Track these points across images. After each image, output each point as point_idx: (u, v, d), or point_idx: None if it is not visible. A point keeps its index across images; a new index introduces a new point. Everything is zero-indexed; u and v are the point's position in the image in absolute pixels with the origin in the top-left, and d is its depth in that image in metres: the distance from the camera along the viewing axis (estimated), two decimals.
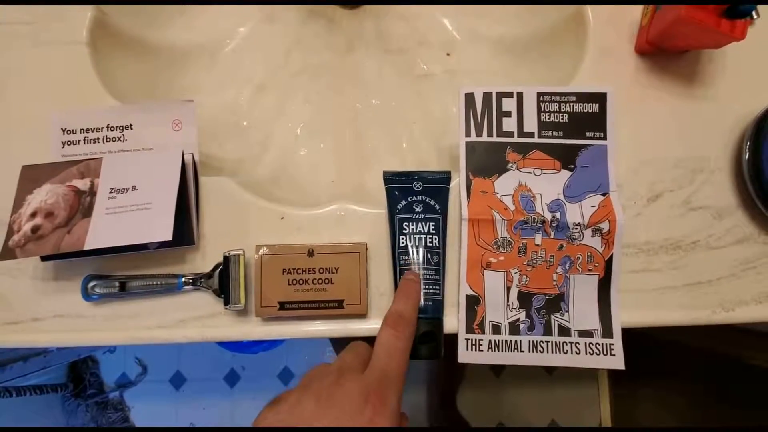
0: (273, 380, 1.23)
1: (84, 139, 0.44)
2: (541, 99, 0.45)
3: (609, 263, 0.43)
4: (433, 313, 0.41)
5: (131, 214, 0.39)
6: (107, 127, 0.44)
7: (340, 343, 1.19)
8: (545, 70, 0.51)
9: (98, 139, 0.44)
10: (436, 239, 0.42)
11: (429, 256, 0.42)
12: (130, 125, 0.44)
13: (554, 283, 0.43)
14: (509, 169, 0.44)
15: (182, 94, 0.53)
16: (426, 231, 0.42)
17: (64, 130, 0.44)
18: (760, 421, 0.79)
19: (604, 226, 0.43)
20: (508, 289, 0.43)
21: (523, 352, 0.43)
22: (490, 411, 1.23)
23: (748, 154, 0.44)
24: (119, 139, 0.44)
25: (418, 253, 0.42)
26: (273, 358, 1.22)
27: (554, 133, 0.45)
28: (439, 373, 1.19)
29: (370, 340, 0.37)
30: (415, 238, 0.42)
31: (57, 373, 1.16)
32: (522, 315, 0.43)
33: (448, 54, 0.56)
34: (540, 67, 0.52)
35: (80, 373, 1.19)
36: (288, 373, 1.23)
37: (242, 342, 1.10)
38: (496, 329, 0.43)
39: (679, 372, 1.02)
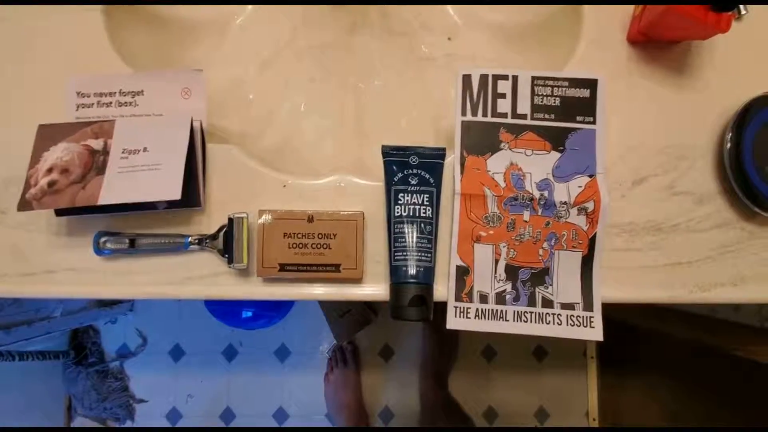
0: (269, 356, 1.26)
1: (97, 103, 0.46)
2: (535, 83, 0.47)
3: (592, 241, 0.46)
4: (424, 279, 0.43)
5: (142, 173, 0.41)
6: (119, 92, 0.46)
7: (335, 324, 1.22)
8: (540, 56, 0.53)
9: (111, 103, 0.46)
10: (429, 210, 0.44)
11: (422, 226, 0.44)
12: (142, 91, 0.46)
13: (540, 258, 0.46)
14: (502, 149, 0.47)
15: (192, 66, 0.54)
16: (420, 202, 0.44)
17: (78, 93, 0.46)
18: (743, 410, 0.81)
19: (590, 205, 0.45)
20: (496, 261, 0.46)
21: (508, 321, 0.45)
22: (480, 394, 1.26)
23: (729, 144, 0.46)
24: (131, 104, 0.46)
25: (411, 223, 0.44)
26: (270, 335, 1.25)
27: (546, 116, 0.47)
28: (433, 355, 1.21)
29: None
30: (409, 209, 0.44)
31: (59, 340, 1.19)
32: (508, 286, 0.45)
33: (449, 38, 0.58)
34: (536, 54, 0.54)
35: (82, 342, 1.22)
36: (284, 350, 1.26)
37: (241, 317, 1.13)
38: (484, 299, 0.45)
39: (665, 362, 1.05)
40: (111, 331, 1.26)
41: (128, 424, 1.24)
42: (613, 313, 0.46)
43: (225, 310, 1.12)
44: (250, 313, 1.14)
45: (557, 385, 1.27)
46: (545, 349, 1.28)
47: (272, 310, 1.15)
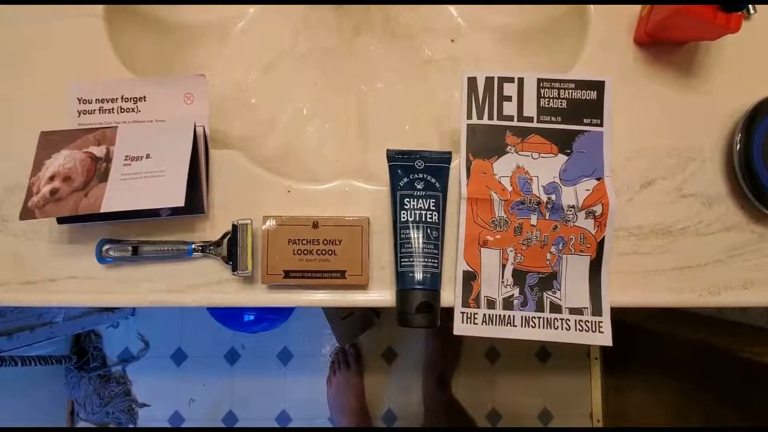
0: (272, 360, 1.25)
1: (99, 109, 0.45)
2: (541, 85, 0.46)
3: (601, 245, 0.45)
4: (431, 285, 0.43)
5: (145, 180, 0.41)
6: (122, 98, 0.46)
7: (337, 326, 1.22)
8: (546, 59, 0.52)
9: (113, 109, 0.46)
10: (435, 215, 0.44)
11: (428, 231, 0.43)
12: (144, 97, 0.46)
13: (548, 262, 0.45)
14: (508, 152, 0.46)
15: (194, 71, 0.54)
16: (426, 207, 0.44)
17: (80, 100, 0.45)
18: (747, 411, 0.80)
19: (597, 209, 0.45)
20: (503, 266, 0.45)
21: (515, 326, 0.45)
22: (483, 396, 1.25)
23: (739, 145, 0.46)
24: (133, 110, 0.46)
25: (418, 228, 0.43)
26: (272, 338, 1.24)
27: (553, 119, 0.46)
28: (436, 357, 1.21)
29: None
30: (415, 214, 0.44)
31: (61, 345, 1.18)
32: (516, 291, 0.45)
33: (452, 41, 0.58)
34: (541, 56, 0.53)
35: (84, 347, 1.21)
36: (287, 353, 1.25)
37: (243, 321, 1.12)
38: (491, 304, 0.45)
39: (669, 363, 1.04)
40: (113, 335, 1.25)
41: None
42: (615, 313, 0.45)
43: (227, 313, 1.11)
44: (252, 317, 1.13)
45: (561, 387, 1.27)
46: (548, 350, 1.28)
47: (274, 313, 1.15)
